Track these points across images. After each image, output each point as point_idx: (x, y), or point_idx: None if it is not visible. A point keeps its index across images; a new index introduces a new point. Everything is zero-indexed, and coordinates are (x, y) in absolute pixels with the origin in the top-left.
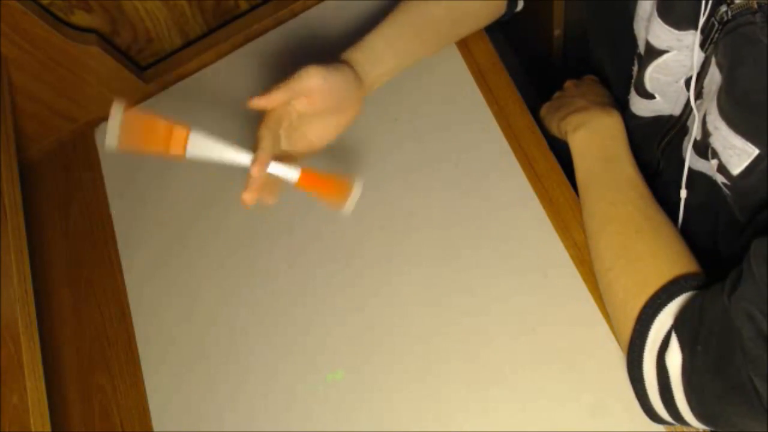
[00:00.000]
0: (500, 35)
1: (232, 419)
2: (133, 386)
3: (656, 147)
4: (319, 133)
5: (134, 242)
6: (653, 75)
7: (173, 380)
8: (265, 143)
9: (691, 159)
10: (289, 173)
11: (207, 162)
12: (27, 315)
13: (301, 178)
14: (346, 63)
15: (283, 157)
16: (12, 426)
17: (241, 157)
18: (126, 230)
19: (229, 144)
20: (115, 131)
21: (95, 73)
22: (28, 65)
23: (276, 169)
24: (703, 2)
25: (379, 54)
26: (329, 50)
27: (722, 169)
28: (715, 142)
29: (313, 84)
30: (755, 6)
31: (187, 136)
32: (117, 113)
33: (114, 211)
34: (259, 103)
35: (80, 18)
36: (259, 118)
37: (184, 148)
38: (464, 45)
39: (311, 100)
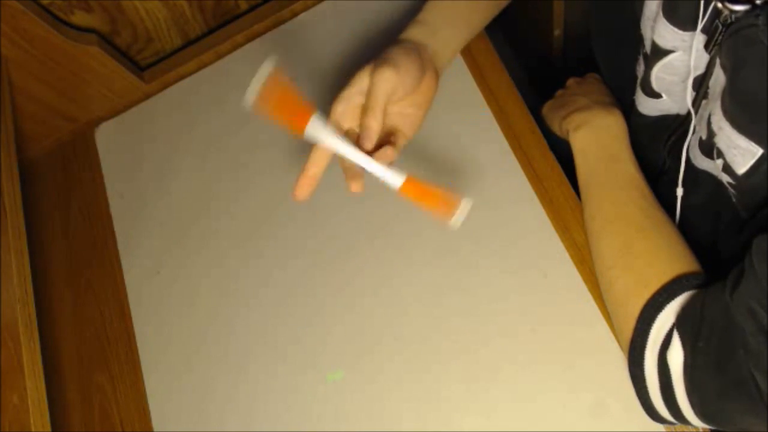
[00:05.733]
0: (500, 35)
1: (232, 419)
2: (133, 386)
3: (663, 146)
4: (408, 121)
5: (134, 242)
6: (659, 75)
7: (173, 380)
8: (372, 131)
9: (696, 158)
10: (394, 179)
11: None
12: (27, 315)
13: (404, 186)
14: (404, 41)
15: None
16: (12, 426)
17: (355, 155)
18: (126, 230)
19: (343, 139)
20: (256, 89)
21: (95, 73)
22: (28, 65)
23: (381, 171)
24: (702, 4)
25: (435, 26)
26: (329, 50)
27: (727, 168)
28: (720, 142)
29: (390, 86)
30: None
31: (310, 117)
32: (263, 72)
33: (114, 211)
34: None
35: (80, 18)
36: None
37: (304, 128)
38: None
39: (394, 99)
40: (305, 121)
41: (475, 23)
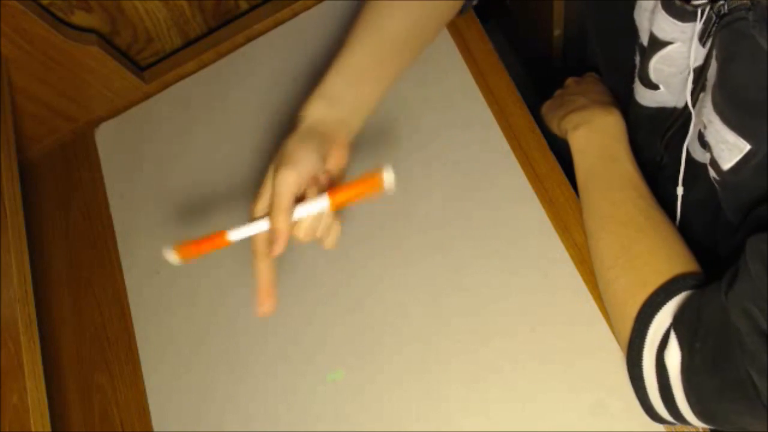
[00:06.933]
0: (500, 35)
1: (232, 419)
2: (133, 386)
3: (660, 141)
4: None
5: (134, 242)
6: (657, 66)
7: (173, 380)
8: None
9: (696, 152)
10: (318, 204)
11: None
12: (27, 315)
13: (332, 203)
14: (302, 121)
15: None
16: (12, 426)
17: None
18: (126, 230)
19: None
20: (175, 258)
21: (95, 73)
22: (28, 65)
23: (304, 209)
24: None
25: (339, 96)
26: (329, 50)
27: (714, 163)
28: (709, 135)
29: (292, 187)
30: (749, 2)
31: (225, 235)
32: (171, 257)
33: (114, 211)
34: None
35: (80, 18)
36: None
37: (226, 238)
38: (464, 46)
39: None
40: (224, 234)
41: (387, 76)
